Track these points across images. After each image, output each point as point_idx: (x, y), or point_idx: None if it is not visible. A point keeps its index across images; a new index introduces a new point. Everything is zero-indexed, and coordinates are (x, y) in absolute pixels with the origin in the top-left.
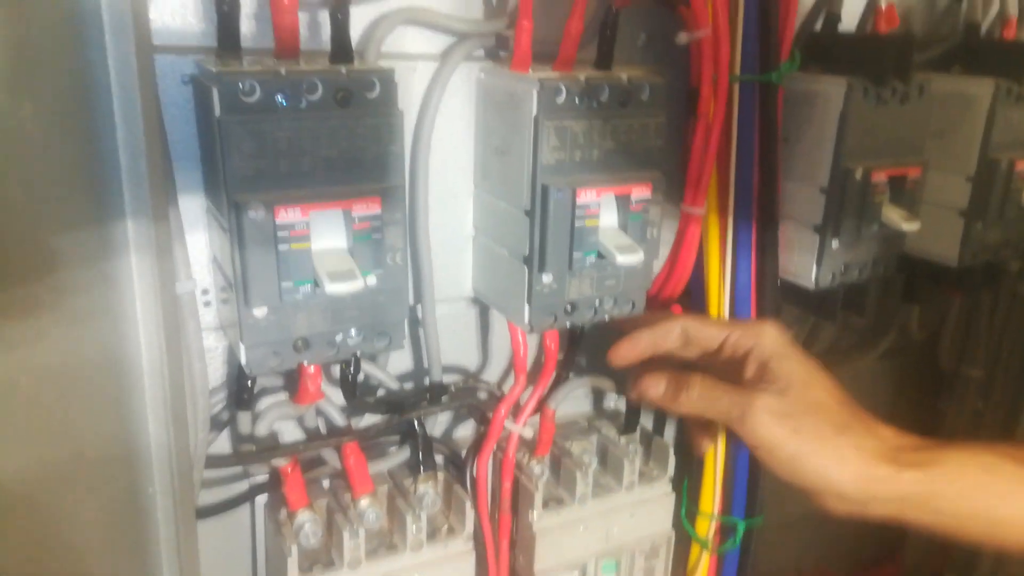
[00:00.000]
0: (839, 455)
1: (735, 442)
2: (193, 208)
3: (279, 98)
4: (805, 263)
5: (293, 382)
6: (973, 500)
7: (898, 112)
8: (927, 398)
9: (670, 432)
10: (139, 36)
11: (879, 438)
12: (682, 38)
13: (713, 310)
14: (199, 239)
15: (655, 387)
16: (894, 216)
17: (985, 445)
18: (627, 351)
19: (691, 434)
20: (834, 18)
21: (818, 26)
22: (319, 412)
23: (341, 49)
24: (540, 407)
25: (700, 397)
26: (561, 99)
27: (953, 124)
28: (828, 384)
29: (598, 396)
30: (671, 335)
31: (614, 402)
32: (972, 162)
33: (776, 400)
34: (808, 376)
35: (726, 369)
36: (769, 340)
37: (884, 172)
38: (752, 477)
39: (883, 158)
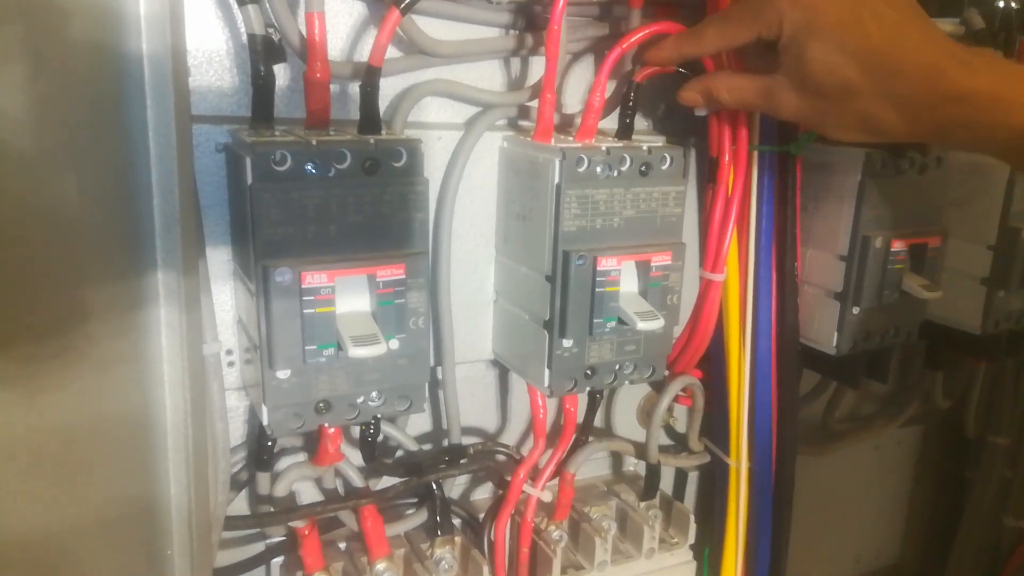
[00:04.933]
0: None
1: (756, 510)
2: (220, 271)
3: (309, 167)
4: (826, 329)
5: (313, 443)
6: None
7: (917, 182)
8: (953, 467)
9: (690, 498)
10: (179, 109)
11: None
12: (701, 110)
13: (733, 376)
14: (225, 301)
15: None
16: (915, 284)
17: None
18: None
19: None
20: None
21: None
22: (338, 473)
23: (369, 120)
24: (559, 471)
25: (728, 95)
26: (583, 168)
27: (972, 194)
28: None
29: (617, 460)
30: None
31: (633, 466)
32: (992, 231)
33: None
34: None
35: None
36: None
37: (904, 241)
38: (776, 545)
39: (903, 227)
